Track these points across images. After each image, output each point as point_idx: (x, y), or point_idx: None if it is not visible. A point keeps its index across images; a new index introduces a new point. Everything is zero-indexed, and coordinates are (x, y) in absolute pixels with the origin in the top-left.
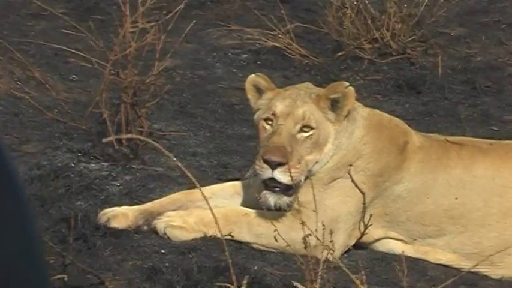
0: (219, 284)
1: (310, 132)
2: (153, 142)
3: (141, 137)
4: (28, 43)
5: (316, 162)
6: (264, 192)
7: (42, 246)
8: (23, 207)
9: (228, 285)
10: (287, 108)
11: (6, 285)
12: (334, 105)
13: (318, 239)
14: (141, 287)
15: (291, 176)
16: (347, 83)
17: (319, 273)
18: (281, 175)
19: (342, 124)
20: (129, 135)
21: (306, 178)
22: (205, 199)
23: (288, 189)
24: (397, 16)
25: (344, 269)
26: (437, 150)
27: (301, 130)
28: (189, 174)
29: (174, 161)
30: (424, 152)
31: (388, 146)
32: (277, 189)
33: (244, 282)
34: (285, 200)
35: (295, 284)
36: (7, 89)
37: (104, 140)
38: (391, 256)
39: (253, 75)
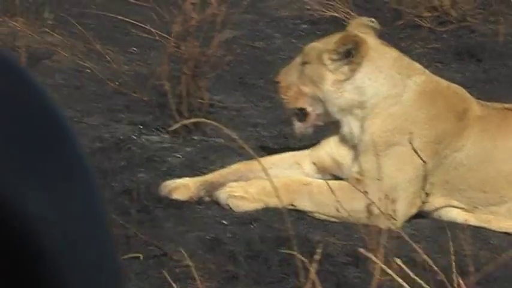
0: (283, 251)
1: (305, 66)
2: (209, 121)
3: (200, 120)
4: (88, 16)
5: (320, 98)
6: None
7: (110, 227)
8: (93, 189)
9: (294, 252)
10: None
11: (74, 267)
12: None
13: (378, 208)
14: (204, 257)
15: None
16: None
17: (382, 242)
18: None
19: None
20: (191, 120)
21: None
22: (264, 169)
23: (302, 116)
24: None
25: (404, 236)
26: (497, 118)
27: (303, 62)
28: (246, 146)
29: (234, 138)
30: (484, 120)
31: (444, 113)
32: (297, 115)
33: (317, 257)
34: (295, 124)
35: (360, 249)
36: (68, 62)
37: (171, 129)
38: (453, 225)
39: None
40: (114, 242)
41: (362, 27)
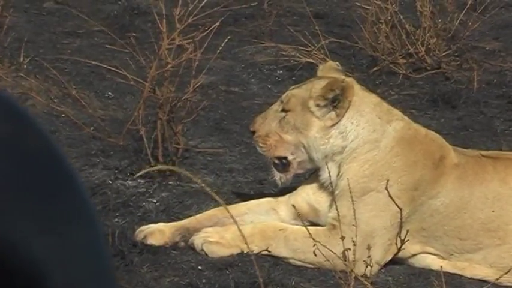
0: None
1: (287, 113)
2: (181, 170)
3: (170, 167)
4: (64, 61)
5: (304, 145)
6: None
7: (113, 269)
8: (96, 232)
9: None
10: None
11: None
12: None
13: (353, 254)
14: None
15: (260, 146)
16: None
17: None
18: (257, 143)
19: (333, 117)
20: (159, 167)
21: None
22: (233, 218)
23: (283, 166)
24: (431, 31)
25: (364, 282)
26: (474, 165)
27: (283, 110)
28: (215, 195)
29: (203, 186)
30: (461, 168)
31: (422, 160)
32: (276, 165)
33: None
34: (275, 175)
35: None
36: (44, 106)
37: (137, 175)
38: (428, 271)
39: None
40: (116, 284)
41: (333, 71)
